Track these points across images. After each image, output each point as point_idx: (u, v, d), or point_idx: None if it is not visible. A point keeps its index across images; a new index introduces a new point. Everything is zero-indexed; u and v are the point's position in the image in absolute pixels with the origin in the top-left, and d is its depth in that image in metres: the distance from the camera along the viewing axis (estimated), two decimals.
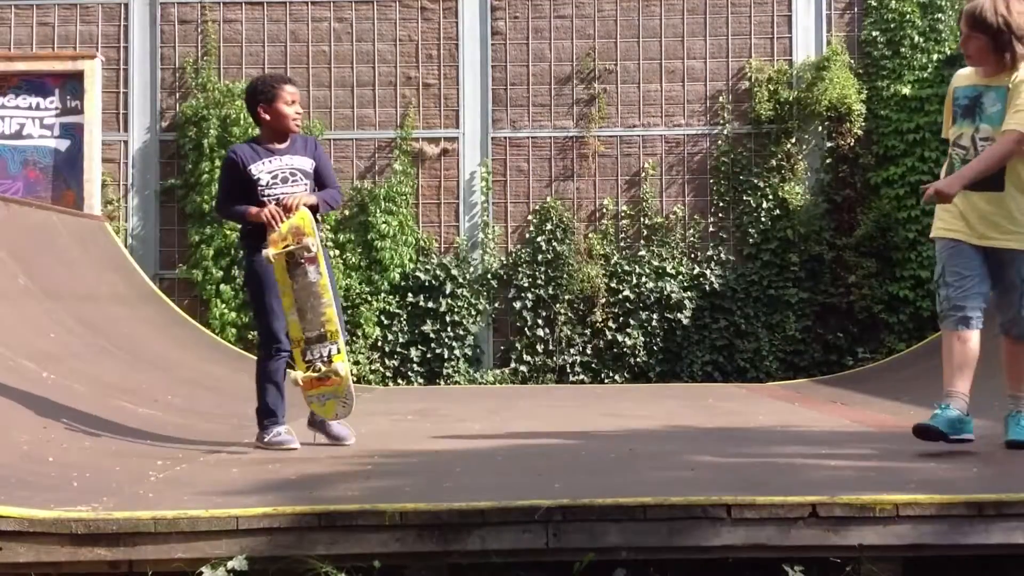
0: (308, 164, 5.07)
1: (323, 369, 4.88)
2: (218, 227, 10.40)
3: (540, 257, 10.52)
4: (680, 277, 10.46)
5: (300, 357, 4.92)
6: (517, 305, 10.46)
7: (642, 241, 10.63)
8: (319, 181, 5.13)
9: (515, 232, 10.72)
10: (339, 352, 4.90)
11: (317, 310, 4.89)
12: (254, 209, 4.92)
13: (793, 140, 10.55)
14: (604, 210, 10.68)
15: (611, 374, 10.36)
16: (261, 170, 4.98)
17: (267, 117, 5.03)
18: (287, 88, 5.02)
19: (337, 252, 10.49)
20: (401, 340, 10.40)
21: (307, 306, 4.88)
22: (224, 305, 10.31)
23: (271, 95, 4.98)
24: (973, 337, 4.68)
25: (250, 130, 10.49)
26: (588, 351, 10.39)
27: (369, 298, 10.40)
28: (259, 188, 4.97)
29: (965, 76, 4.83)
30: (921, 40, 10.45)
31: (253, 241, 5.02)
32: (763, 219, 10.49)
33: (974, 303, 4.66)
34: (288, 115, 5.01)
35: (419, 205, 10.74)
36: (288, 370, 4.97)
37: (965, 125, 4.74)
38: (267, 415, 5.06)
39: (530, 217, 10.69)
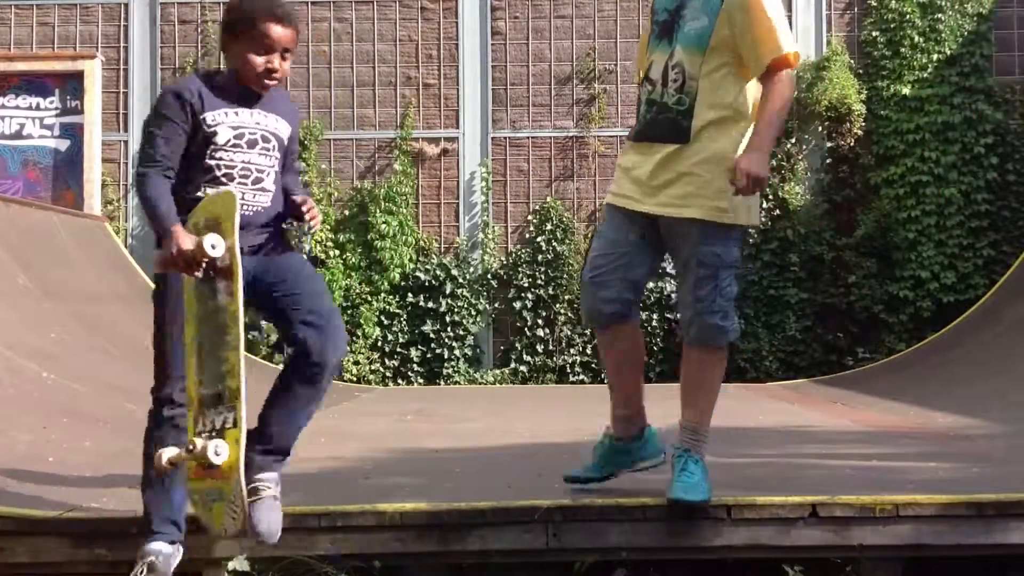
0: (286, 130, 3.33)
1: (209, 451, 2.94)
2: None
3: (540, 257, 10.51)
4: None
5: (192, 424, 3.09)
6: (517, 305, 10.46)
7: None
8: (285, 159, 3.38)
9: (515, 232, 10.72)
10: (234, 426, 2.96)
11: (218, 352, 3.03)
12: (175, 232, 3.03)
13: (793, 140, 10.55)
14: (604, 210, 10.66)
15: None
16: (221, 121, 3.17)
17: (228, 54, 3.25)
18: (271, 27, 3.17)
19: (337, 252, 10.49)
20: (401, 340, 10.40)
21: (206, 344, 3.06)
22: None
23: (242, 25, 3.19)
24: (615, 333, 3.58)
25: None
26: (588, 351, 10.38)
27: (369, 298, 10.40)
28: (211, 148, 3.17)
29: None
30: (921, 40, 10.44)
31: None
32: (763, 219, 10.49)
33: (611, 292, 3.51)
34: (255, 66, 3.19)
35: (419, 205, 10.74)
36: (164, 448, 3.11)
37: (660, 49, 3.44)
38: (147, 520, 3.23)
39: (530, 217, 10.69)
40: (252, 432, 3.12)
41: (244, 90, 3.23)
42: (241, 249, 3.02)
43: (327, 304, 3.23)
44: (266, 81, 3.21)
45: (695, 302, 3.39)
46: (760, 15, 3.34)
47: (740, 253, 3.55)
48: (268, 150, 3.25)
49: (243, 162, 3.20)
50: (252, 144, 3.22)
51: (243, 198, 3.12)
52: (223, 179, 3.17)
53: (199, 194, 3.15)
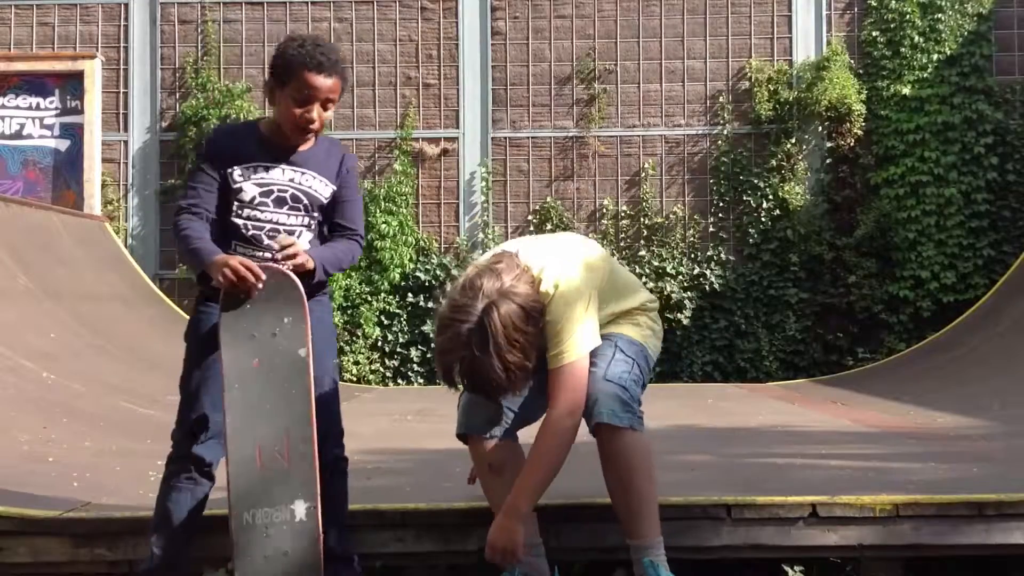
0: (325, 189, 3.11)
1: None
2: None
3: None
4: (680, 277, 10.46)
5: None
6: None
7: (642, 241, 10.63)
8: (333, 217, 3.16)
9: (515, 232, 10.71)
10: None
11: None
12: (220, 258, 2.90)
13: (793, 140, 10.55)
14: (604, 210, 10.68)
15: None
16: (248, 178, 3.06)
17: (272, 102, 3.09)
18: (311, 76, 2.97)
19: None
20: (401, 340, 10.40)
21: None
22: None
23: (284, 73, 3.01)
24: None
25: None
26: None
27: (369, 298, 10.40)
28: (237, 205, 3.06)
29: None
30: (921, 40, 10.44)
31: (209, 284, 3.05)
32: (763, 219, 10.49)
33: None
34: (292, 116, 3.02)
35: (419, 205, 10.74)
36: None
37: None
38: (153, 562, 3.07)
39: (530, 217, 10.69)
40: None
41: (280, 145, 3.08)
42: None
43: (332, 415, 3.11)
44: (303, 132, 3.05)
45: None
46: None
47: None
48: (298, 209, 3.08)
49: (271, 221, 3.05)
50: (280, 203, 3.06)
51: (273, 259, 2.96)
52: (252, 239, 3.05)
53: (233, 253, 2.99)
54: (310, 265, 2.97)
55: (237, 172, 3.04)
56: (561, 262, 3.03)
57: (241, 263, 2.85)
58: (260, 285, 2.87)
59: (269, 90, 3.07)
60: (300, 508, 2.88)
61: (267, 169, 3.06)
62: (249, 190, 3.04)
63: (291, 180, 3.07)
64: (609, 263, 3.21)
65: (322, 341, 3.08)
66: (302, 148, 3.09)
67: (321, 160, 3.11)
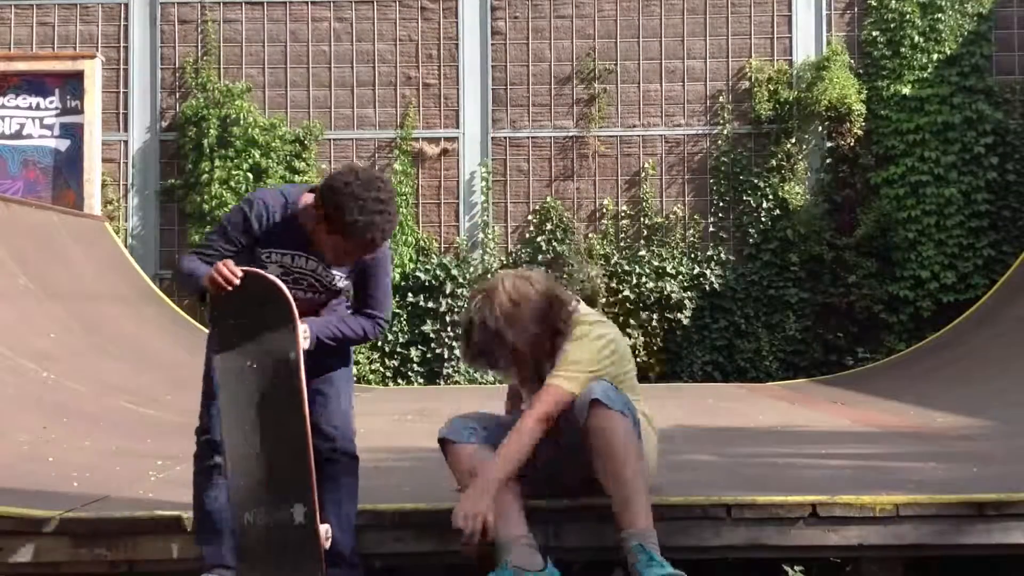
0: (340, 280, 3.23)
1: None
2: None
3: (540, 257, 10.51)
4: (680, 277, 10.46)
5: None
6: None
7: (642, 241, 10.63)
8: (357, 295, 3.29)
9: (515, 232, 10.72)
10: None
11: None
12: (210, 269, 3.01)
13: (793, 140, 10.55)
14: (604, 210, 10.68)
15: None
16: (274, 260, 3.16)
17: (319, 220, 3.08)
18: (360, 244, 3.05)
19: None
20: (401, 340, 10.40)
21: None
22: None
23: (340, 227, 3.02)
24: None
25: (250, 130, 10.49)
26: None
27: None
28: (258, 264, 3.16)
29: None
30: (921, 40, 10.44)
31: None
32: (763, 219, 10.49)
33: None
34: (329, 254, 3.12)
35: (419, 205, 10.74)
36: None
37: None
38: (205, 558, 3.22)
39: (530, 217, 10.69)
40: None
41: (313, 238, 3.12)
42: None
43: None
44: (334, 264, 3.17)
45: None
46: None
47: None
48: (316, 291, 3.22)
49: (292, 296, 3.09)
50: (298, 283, 3.18)
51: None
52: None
53: None
54: (301, 342, 3.01)
55: (263, 252, 3.15)
56: (606, 323, 3.38)
57: (224, 263, 2.95)
58: (237, 281, 2.95)
59: (322, 213, 3.03)
60: (299, 511, 2.94)
61: (292, 258, 3.16)
62: (272, 269, 3.15)
63: (313, 270, 3.19)
64: (634, 374, 3.43)
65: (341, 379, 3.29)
66: None
67: None
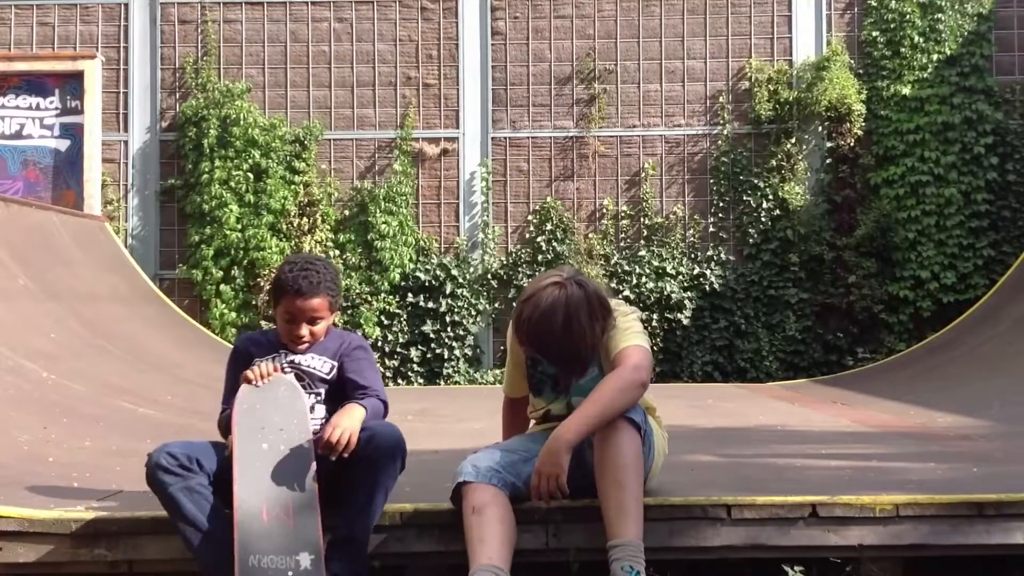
0: (324, 365, 3.47)
1: None
2: (218, 227, 10.41)
3: (540, 257, 10.52)
4: (680, 277, 10.46)
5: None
6: None
7: (642, 241, 10.63)
8: (343, 386, 3.48)
9: (515, 232, 10.72)
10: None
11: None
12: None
13: (793, 140, 10.55)
14: (604, 210, 10.68)
15: None
16: (258, 363, 3.45)
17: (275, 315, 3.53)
18: (293, 301, 3.39)
19: (337, 252, 10.50)
20: (401, 340, 10.40)
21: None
22: (224, 305, 10.32)
23: (276, 298, 3.47)
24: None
25: (250, 130, 10.50)
26: None
27: (369, 298, 10.40)
28: None
29: None
30: (921, 40, 10.45)
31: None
32: (763, 219, 10.49)
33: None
34: (284, 332, 3.47)
35: (419, 205, 10.74)
36: None
37: (558, 400, 3.47)
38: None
39: (530, 217, 10.69)
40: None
41: (282, 343, 3.49)
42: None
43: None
44: (296, 344, 3.45)
45: None
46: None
47: None
48: (306, 385, 3.43)
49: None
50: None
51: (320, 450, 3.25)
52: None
53: None
54: (353, 440, 3.21)
55: (254, 364, 3.42)
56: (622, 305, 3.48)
57: (252, 370, 3.35)
58: (264, 380, 3.32)
59: (271, 304, 3.53)
60: (305, 559, 3.08)
61: (273, 358, 3.45)
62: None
63: (292, 362, 3.46)
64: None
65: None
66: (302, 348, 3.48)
67: (324, 344, 3.50)
